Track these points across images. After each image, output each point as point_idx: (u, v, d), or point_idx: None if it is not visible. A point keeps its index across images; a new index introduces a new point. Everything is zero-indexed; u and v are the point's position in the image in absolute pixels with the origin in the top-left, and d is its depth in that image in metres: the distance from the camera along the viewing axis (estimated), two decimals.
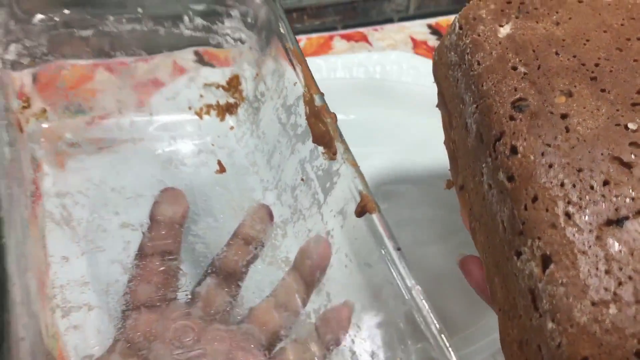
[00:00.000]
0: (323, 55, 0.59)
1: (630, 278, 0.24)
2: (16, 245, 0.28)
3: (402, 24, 0.63)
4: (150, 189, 0.39)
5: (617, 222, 0.25)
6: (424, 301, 0.31)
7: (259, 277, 0.37)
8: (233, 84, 0.47)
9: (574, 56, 0.29)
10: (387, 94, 0.52)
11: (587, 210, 0.26)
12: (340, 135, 0.35)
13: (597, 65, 0.28)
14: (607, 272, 0.25)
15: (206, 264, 0.36)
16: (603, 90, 0.28)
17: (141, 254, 0.35)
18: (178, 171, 0.43)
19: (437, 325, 0.30)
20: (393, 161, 0.49)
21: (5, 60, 0.38)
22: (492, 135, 0.29)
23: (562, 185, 0.27)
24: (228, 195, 0.42)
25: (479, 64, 0.31)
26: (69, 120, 0.45)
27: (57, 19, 0.40)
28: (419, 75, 0.53)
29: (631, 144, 0.26)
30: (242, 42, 0.45)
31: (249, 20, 0.43)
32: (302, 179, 0.39)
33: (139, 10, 0.42)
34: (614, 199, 0.25)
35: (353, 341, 0.35)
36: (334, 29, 0.66)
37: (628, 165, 0.26)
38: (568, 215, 0.26)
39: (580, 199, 0.26)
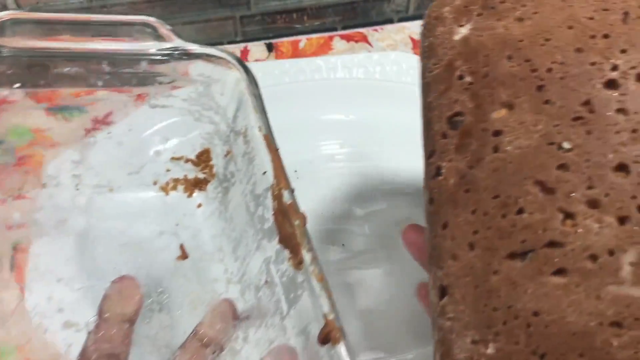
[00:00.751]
0: (323, 55, 0.59)
1: (516, 317, 0.23)
2: None
3: (402, 25, 0.63)
4: (102, 278, 0.35)
5: (520, 255, 0.23)
6: None
7: None
8: (203, 159, 0.44)
9: (527, 60, 0.26)
10: (387, 94, 0.52)
11: (492, 242, 0.24)
12: (309, 242, 0.30)
13: (549, 70, 0.25)
14: (494, 309, 0.23)
15: None
16: (547, 102, 0.25)
17: (83, 359, 0.31)
18: (136, 256, 0.39)
19: None
20: (393, 161, 0.49)
21: None
22: (427, 153, 0.28)
23: (473, 212, 0.25)
24: (188, 287, 0.39)
25: (430, 71, 0.29)
26: (16, 202, 0.41)
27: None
28: (418, 76, 0.53)
29: (560, 166, 0.24)
30: (215, 116, 0.41)
31: (222, 96, 0.39)
32: (267, 282, 0.35)
33: (99, 83, 0.38)
34: (523, 231, 0.23)
35: None
36: (334, 29, 0.66)
37: (550, 191, 0.24)
38: (471, 246, 0.24)
39: (489, 228, 0.24)
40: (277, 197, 0.33)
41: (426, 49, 0.29)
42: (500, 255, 0.24)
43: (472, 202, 0.25)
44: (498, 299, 0.23)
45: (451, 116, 0.27)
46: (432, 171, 0.27)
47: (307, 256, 0.30)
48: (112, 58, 0.35)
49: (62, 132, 0.51)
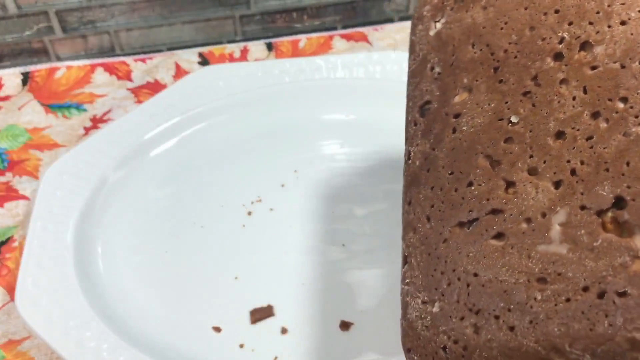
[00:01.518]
0: (323, 55, 0.59)
1: (459, 279, 0.25)
2: None
3: (402, 24, 0.63)
4: None
5: (467, 223, 0.26)
6: None
7: None
8: None
9: (487, 45, 0.28)
10: (387, 94, 0.52)
11: (445, 214, 0.26)
12: None
13: (505, 51, 0.27)
14: (442, 272, 0.25)
15: None
16: (501, 82, 0.27)
17: None
18: None
19: None
20: (393, 161, 0.48)
21: None
22: (405, 141, 0.30)
23: (432, 188, 0.27)
24: None
25: (409, 67, 0.31)
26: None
27: None
28: None
29: (506, 140, 0.26)
30: None
31: None
32: None
33: None
34: (471, 201, 0.26)
35: None
36: (334, 28, 0.65)
37: (497, 163, 0.25)
38: (428, 218, 0.27)
39: (443, 202, 0.27)
40: None
41: (409, 48, 0.32)
42: (449, 225, 0.26)
43: (432, 180, 0.27)
44: (445, 264, 0.26)
45: (422, 105, 0.29)
46: (405, 157, 0.30)
47: None
48: None
49: (62, 130, 0.51)
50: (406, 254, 0.28)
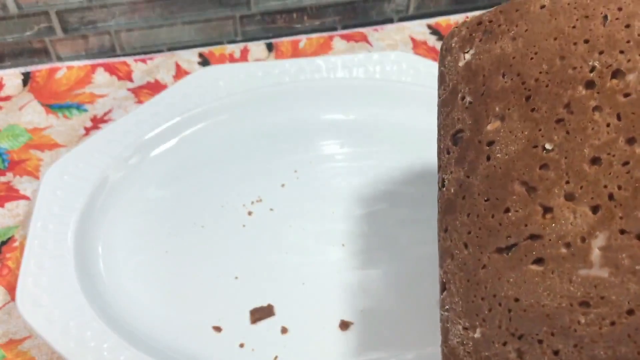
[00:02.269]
0: (323, 55, 0.59)
1: (500, 304, 0.25)
2: None
3: (402, 24, 0.63)
4: None
5: (505, 249, 0.26)
6: None
7: None
8: None
9: (518, 74, 0.28)
10: (387, 94, 0.52)
11: (482, 240, 0.27)
12: None
13: (536, 80, 0.28)
14: (482, 298, 0.26)
15: None
16: (533, 110, 0.27)
17: None
18: None
19: None
20: (393, 161, 0.49)
21: None
22: (438, 169, 0.31)
23: (468, 215, 0.28)
24: None
25: (440, 97, 0.32)
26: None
27: None
28: (418, 75, 0.53)
29: (542, 166, 0.26)
30: None
31: None
32: None
33: None
34: (509, 227, 0.26)
35: None
36: (334, 29, 0.66)
37: (533, 190, 0.26)
38: (465, 245, 0.27)
39: (480, 228, 0.27)
40: None
41: (438, 79, 0.32)
42: (488, 251, 0.26)
43: (468, 207, 0.28)
44: (485, 289, 0.26)
45: (454, 133, 0.30)
46: (439, 184, 0.30)
47: None
48: None
49: (62, 130, 0.52)
50: (444, 280, 0.28)
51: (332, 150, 0.49)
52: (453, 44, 0.32)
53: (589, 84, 0.26)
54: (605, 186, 0.24)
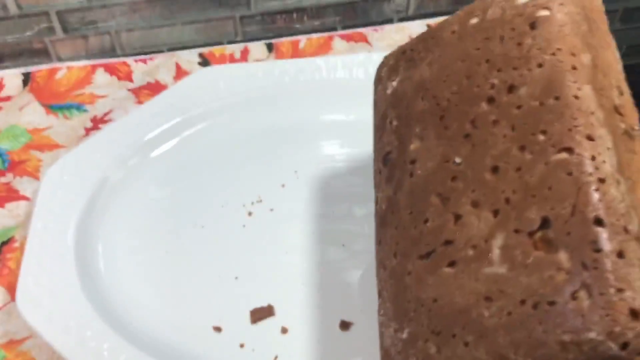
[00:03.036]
0: (323, 55, 0.59)
1: (422, 306, 0.28)
2: None
3: (402, 25, 0.63)
4: None
5: (426, 255, 0.29)
6: None
7: None
8: None
9: (434, 97, 0.32)
10: None
11: (407, 249, 0.30)
12: None
13: (448, 100, 0.31)
14: (409, 301, 0.29)
15: None
16: (446, 128, 0.30)
17: None
18: None
19: None
20: None
21: None
22: (374, 188, 0.34)
23: (396, 227, 0.31)
24: None
25: (373, 123, 0.35)
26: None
27: None
28: None
29: (453, 178, 0.29)
30: None
31: None
32: None
33: None
34: (428, 236, 0.29)
35: None
36: (334, 29, 0.66)
37: (446, 200, 0.29)
38: (395, 255, 0.30)
39: (405, 239, 0.30)
40: None
41: (373, 106, 0.36)
42: (412, 259, 0.29)
43: (395, 220, 0.31)
44: (410, 293, 0.28)
45: (384, 155, 0.33)
46: (375, 202, 0.33)
47: None
48: None
49: (62, 131, 0.52)
50: (379, 288, 0.31)
51: (332, 150, 0.49)
52: (383, 74, 0.36)
53: (490, 100, 0.29)
54: (503, 191, 0.27)
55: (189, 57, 0.58)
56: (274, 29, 0.65)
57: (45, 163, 0.49)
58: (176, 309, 0.40)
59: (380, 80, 0.35)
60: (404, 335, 0.28)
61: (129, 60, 0.58)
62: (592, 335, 0.22)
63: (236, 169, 0.48)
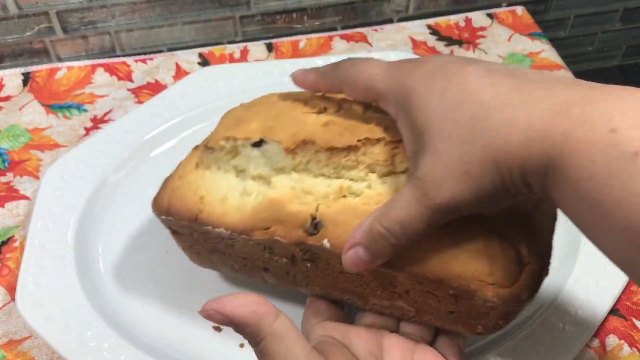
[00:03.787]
0: (323, 55, 0.59)
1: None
2: None
3: (402, 25, 0.63)
4: None
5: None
6: None
7: None
8: None
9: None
10: None
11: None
12: None
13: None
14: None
15: None
16: None
17: None
18: None
19: None
20: None
21: None
22: None
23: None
24: None
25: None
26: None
27: None
28: None
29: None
30: None
31: None
32: None
33: None
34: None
35: None
36: (334, 29, 0.66)
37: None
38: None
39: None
40: None
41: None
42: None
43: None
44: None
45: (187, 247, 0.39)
46: None
47: None
48: None
49: (62, 131, 0.52)
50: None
51: None
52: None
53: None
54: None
55: (188, 57, 0.58)
56: (273, 29, 0.65)
57: (45, 163, 0.49)
58: (176, 308, 0.40)
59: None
60: None
61: (129, 60, 0.58)
62: None
63: None
